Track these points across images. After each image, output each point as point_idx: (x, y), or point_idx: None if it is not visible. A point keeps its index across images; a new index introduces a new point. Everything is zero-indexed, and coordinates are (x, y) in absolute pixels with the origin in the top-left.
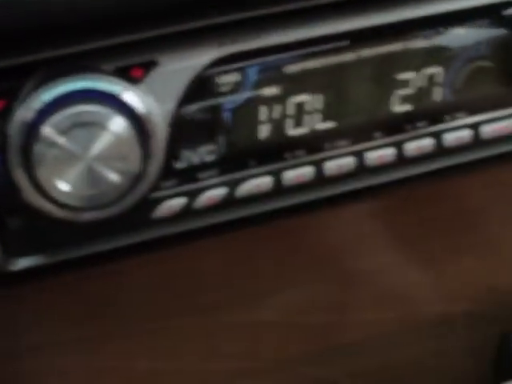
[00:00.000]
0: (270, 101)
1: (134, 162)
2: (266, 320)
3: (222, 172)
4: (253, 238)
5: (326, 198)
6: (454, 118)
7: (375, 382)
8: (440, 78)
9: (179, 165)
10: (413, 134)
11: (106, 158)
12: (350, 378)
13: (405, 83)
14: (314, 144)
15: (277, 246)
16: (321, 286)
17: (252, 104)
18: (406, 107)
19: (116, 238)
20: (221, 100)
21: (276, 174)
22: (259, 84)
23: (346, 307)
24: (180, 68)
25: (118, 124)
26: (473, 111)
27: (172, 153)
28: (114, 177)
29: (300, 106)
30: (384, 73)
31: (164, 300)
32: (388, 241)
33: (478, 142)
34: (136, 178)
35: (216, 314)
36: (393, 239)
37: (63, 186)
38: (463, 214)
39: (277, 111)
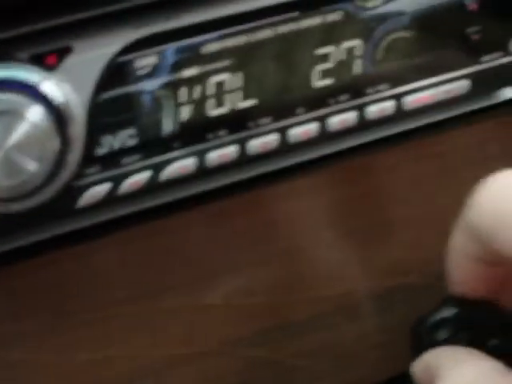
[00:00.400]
0: (189, 82)
1: (52, 150)
2: (209, 304)
3: (145, 156)
4: (185, 222)
5: (251, 178)
6: (376, 91)
7: (319, 360)
8: (360, 51)
9: (101, 151)
10: (335, 108)
11: (23, 147)
12: (294, 357)
13: (324, 57)
14: (236, 123)
15: (212, 230)
16: (260, 267)
17: (171, 86)
18: (327, 81)
19: (45, 229)
20: (139, 84)
21: (199, 155)
22: (177, 65)
23: (286, 287)
24: (95, 54)
25: (34, 113)
26: (395, 83)
27: (93, 139)
28: (32, 166)
29: (220, 86)
30: (303, 48)
31: (102, 290)
32: (322, 218)
33: (401, 114)
34: (56, 167)
35: (157, 300)
36: (325, 216)
37: None
38: (393, 187)
39: (197, 92)
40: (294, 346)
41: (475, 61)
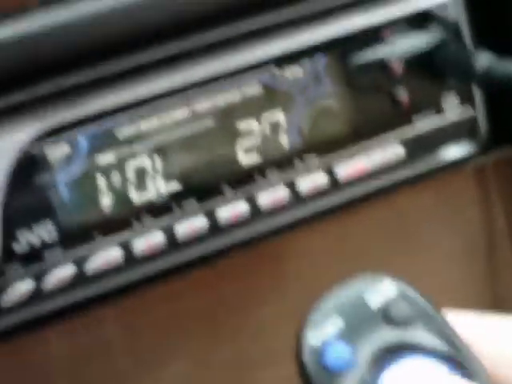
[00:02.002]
0: (106, 168)
1: None
2: None
3: (67, 249)
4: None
5: (181, 264)
6: (305, 164)
7: None
8: (284, 123)
9: (19, 247)
10: (264, 183)
11: None
12: None
13: (247, 133)
14: (160, 208)
15: (153, 315)
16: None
17: (88, 174)
18: (253, 158)
19: None
20: (53, 174)
21: (124, 244)
22: (92, 152)
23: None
24: (3, 146)
25: None
26: (325, 154)
27: (9, 236)
28: None
29: (139, 170)
30: (224, 125)
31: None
32: (264, 293)
33: (336, 186)
34: None
35: None
36: (268, 292)
37: None
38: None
39: (115, 178)
40: None
41: (407, 124)
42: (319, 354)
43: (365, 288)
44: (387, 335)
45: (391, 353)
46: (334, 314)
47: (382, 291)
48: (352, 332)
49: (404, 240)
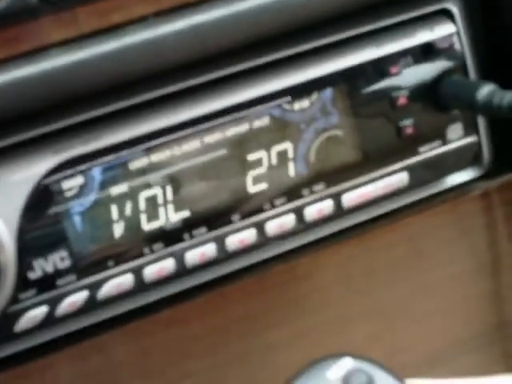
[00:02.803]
0: (119, 199)
1: None
2: None
3: (80, 276)
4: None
5: (189, 288)
6: (312, 192)
7: None
8: (291, 154)
9: (34, 274)
10: (272, 212)
11: None
12: None
13: (256, 163)
14: (171, 236)
15: (162, 338)
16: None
17: (101, 205)
18: (262, 186)
19: None
20: (67, 205)
21: (136, 272)
22: (105, 184)
23: None
24: (19, 179)
25: None
26: (332, 182)
27: (24, 264)
28: None
29: (151, 200)
30: (233, 156)
31: None
32: (272, 317)
33: (340, 212)
34: None
35: None
36: (276, 316)
37: None
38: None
39: (128, 208)
40: None
41: (412, 153)
42: None
43: (327, 366)
44: None
45: None
46: None
47: (341, 366)
48: None
49: (410, 262)
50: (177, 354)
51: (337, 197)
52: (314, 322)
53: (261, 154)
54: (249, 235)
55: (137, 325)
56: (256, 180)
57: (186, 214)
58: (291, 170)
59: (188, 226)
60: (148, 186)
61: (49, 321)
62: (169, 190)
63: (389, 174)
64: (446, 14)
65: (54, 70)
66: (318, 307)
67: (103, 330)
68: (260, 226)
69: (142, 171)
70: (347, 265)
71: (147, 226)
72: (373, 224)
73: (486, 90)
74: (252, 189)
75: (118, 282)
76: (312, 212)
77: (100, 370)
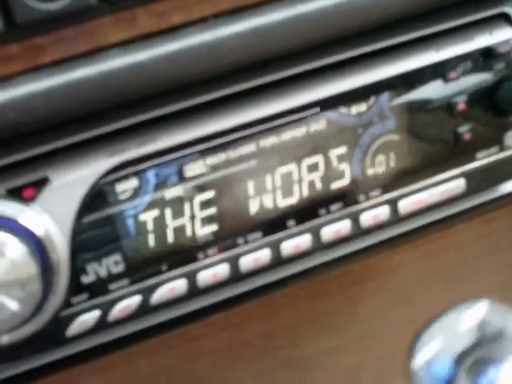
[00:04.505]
0: (173, 202)
1: (34, 283)
2: None
3: (133, 281)
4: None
5: (243, 293)
6: (368, 197)
7: None
8: (348, 158)
9: (87, 279)
10: (328, 218)
11: (5, 286)
12: None
13: (312, 167)
14: (226, 241)
15: (213, 343)
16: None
17: (155, 208)
18: (317, 191)
19: (36, 357)
20: (121, 207)
21: (190, 276)
22: (160, 186)
23: None
24: (73, 182)
25: (14, 248)
26: (388, 188)
27: (78, 268)
28: (13, 305)
29: (206, 204)
30: (288, 160)
31: None
32: (323, 324)
33: (396, 218)
34: (42, 298)
35: None
36: (327, 323)
37: None
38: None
39: (182, 212)
40: None
41: (470, 159)
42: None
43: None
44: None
45: (485, 364)
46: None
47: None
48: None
49: (461, 268)
50: (227, 358)
51: (393, 203)
52: (366, 329)
53: (317, 159)
54: (304, 240)
55: (185, 329)
56: (311, 185)
57: (240, 219)
58: (347, 174)
59: (243, 231)
60: (203, 189)
61: (101, 325)
62: (223, 193)
63: (446, 181)
64: (506, 18)
65: (111, 72)
66: (369, 313)
67: (153, 333)
68: (315, 232)
69: (197, 174)
70: (399, 270)
71: (201, 230)
72: (426, 230)
73: None
74: (307, 194)
75: (172, 286)
76: (368, 218)
77: (151, 374)
